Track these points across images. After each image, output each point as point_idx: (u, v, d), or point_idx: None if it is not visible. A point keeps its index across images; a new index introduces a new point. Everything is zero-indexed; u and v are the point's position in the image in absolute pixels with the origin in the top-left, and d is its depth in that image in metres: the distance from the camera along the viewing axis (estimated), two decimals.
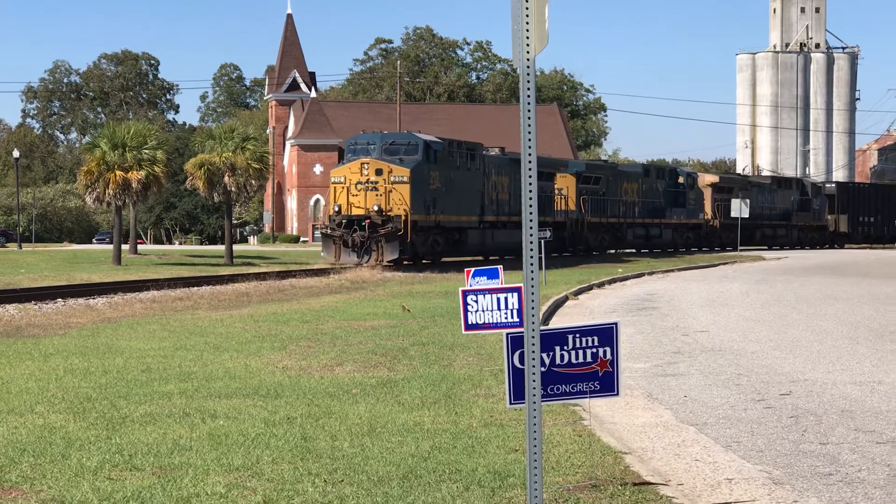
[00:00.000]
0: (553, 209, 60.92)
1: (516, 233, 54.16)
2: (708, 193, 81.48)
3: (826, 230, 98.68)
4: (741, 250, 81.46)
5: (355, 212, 48.03)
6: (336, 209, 48.41)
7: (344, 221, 48.02)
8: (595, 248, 67.74)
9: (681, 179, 77.72)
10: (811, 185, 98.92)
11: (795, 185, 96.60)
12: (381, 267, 46.81)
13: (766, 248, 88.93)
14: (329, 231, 48.60)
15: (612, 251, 70.55)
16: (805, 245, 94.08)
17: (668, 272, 50.65)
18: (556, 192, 61.87)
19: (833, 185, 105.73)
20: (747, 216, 79.39)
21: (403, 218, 47.47)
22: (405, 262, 49.00)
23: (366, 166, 48.19)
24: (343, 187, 48.40)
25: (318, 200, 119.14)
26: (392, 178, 47.83)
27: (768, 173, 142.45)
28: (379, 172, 48.09)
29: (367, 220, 47.42)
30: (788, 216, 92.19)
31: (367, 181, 48.01)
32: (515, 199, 55.53)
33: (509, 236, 55.91)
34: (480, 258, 54.88)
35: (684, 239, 78.48)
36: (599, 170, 70.03)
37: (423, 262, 50.54)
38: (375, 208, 47.46)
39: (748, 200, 79.83)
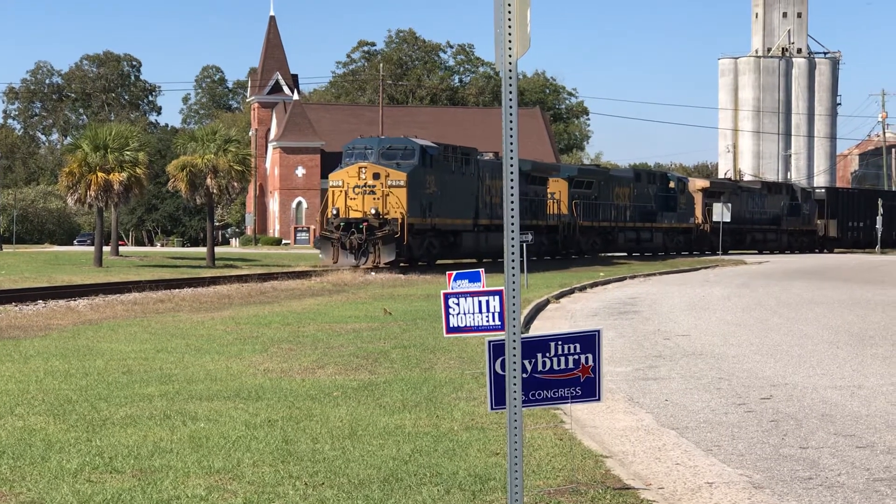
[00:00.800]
0: (546, 213, 61.97)
1: None
2: (699, 198, 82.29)
3: (816, 234, 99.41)
4: (731, 254, 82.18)
5: (353, 215, 48.76)
6: (334, 212, 49.14)
7: (342, 224, 48.70)
8: (587, 252, 68.46)
9: (671, 184, 78.71)
10: (801, 190, 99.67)
11: (785, 189, 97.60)
12: (377, 268, 47.55)
13: (756, 251, 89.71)
14: (327, 233, 49.28)
15: (604, 254, 71.14)
16: (795, 249, 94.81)
17: (650, 276, 50.74)
18: (549, 196, 62.91)
19: (823, 190, 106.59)
20: (729, 220, 79.59)
21: (400, 221, 48.17)
22: (401, 264, 49.54)
23: (363, 170, 49.02)
24: (341, 191, 49.21)
25: (300, 203, 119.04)
26: (389, 182, 48.63)
27: (750, 177, 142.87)
28: (376, 176, 48.87)
29: (365, 223, 48.12)
30: (778, 221, 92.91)
31: (365, 185, 48.83)
32: None
33: (502, 239, 54.94)
34: (474, 260, 55.30)
35: (675, 243, 79.34)
36: (591, 174, 71.19)
37: (419, 263, 51.19)
38: (373, 211, 48.22)
39: (730, 205, 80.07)
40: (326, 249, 49.39)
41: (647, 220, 74.78)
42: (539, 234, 59.37)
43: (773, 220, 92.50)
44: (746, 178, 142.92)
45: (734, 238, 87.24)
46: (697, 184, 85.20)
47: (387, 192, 48.46)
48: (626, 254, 74.25)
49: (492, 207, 55.81)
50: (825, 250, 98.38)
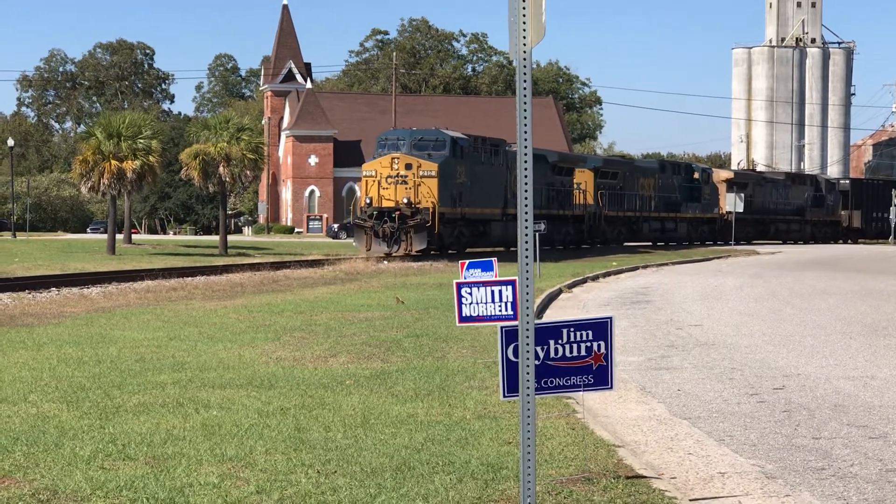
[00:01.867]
0: (572, 203, 63.73)
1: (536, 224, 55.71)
2: (723, 189, 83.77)
3: (840, 225, 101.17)
4: (754, 244, 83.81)
5: (385, 204, 50.31)
6: (367, 201, 50.69)
7: (375, 213, 50.32)
8: (612, 241, 69.93)
9: (696, 175, 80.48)
10: (825, 182, 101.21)
11: (810, 181, 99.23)
12: (409, 256, 49.32)
13: (780, 242, 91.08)
14: (361, 222, 51.02)
15: (629, 244, 72.30)
16: (819, 240, 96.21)
17: (663, 265, 50.72)
18: (575, 186, 64.50)
19: (847, 181, 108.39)
20: (742, 210, 79.68)
21: (431, 210, 49.89)
22: (432, 252, 50.89)
23: (396, 161, 50.50)
24: (374, 180, 50.78)
25: (312, 191, 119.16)
26: (421, 173, 50.24)
27: (763, 167, 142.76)
28: (408, 167, 50.43)
29: (397, 212, 49.76)
30: (802, 212, 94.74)
31: (398, 175, 50.38)
32: (538, 192, 57.45)
33: None
34: (502, 249, 56.24)
35: (699, 233, 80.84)
36: (617, 165, 73.21)
37: (450, 252, 52.41)
38: (405, 201, 49.78)
39: (742, 195, 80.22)
40: (360, 237, 51.11)
41: (671, 210, 76.37)
42: (565, 223, 63.15)
43: (798, 211, 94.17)
44: (760, 167, 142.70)
45: (758, 229, 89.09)
46: (722, 175, 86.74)
47: (419, 181, 50.11)
48: (650, 243, 75.44)
49: None
50: (849, 241, 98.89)
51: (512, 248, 56.23)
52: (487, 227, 55.43)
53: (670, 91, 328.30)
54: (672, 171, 78.60)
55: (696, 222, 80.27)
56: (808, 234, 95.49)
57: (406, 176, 50.14)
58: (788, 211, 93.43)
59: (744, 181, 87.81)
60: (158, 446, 10.46)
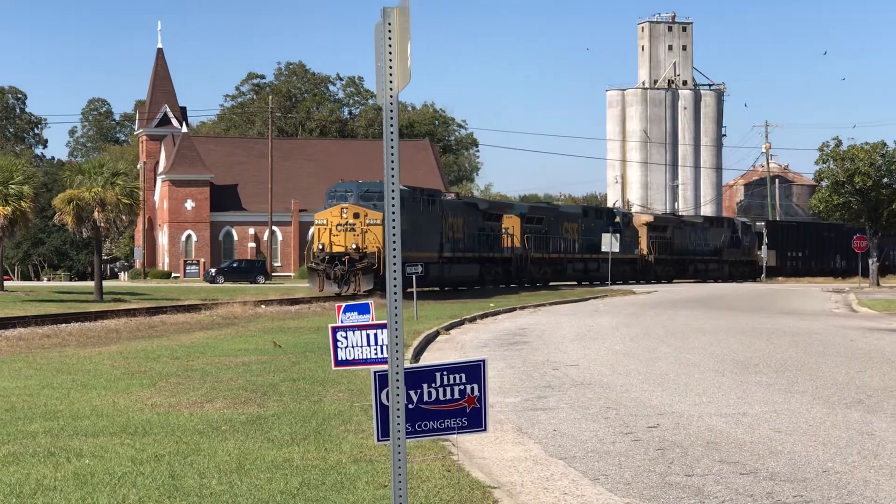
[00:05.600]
0: (501, 246, 70.39)
1: (469, 267, 65.80)
2: (643, 231, 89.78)
3: (756, 265, 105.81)
4: (663, 283, 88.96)
5: (336, 249, 55.88)
6: (320, 247, 56.37)
7: (327, 258, 55.89)
8: (539, 280, 75.66)
9: (617, 219, 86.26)
10: (741, 224, 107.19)
11: (727, 223, 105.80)
12: (356, 295, 52.69)
13: (700, 280, 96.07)
14: (314, 265, 56.55)
15: (554, 283, 77.40)
16: (736, 278, 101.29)
17: (540, 306, 51.01)
18: (504, 230, 71.01)
19: (762, 223, 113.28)
20: (618, 250, 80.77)
21: (377, 255, 55.30)
22: (378, 292, 53.78)
23: (345, 210, 56.18)
24: (326, 228, 56.50)
25: (189, 236, 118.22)
26: (367, 221, 55.93)
27: (638, 208, 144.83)
28: (356, 216, 56.09)
29: (347, 257, 55.43)
30: (720, 252, 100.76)
31: (346, 223, 56.02)
32: (468, 237, 65.43)
33: (463, 270, 65.42)
34: (437, 288, 63.60)
35: (621, 272, 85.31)
36: (542, 211, 79.28)
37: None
38: (353, 246, 55.42)
39: (618, 235, 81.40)
40: (313, 279, 56.74)
41: (594, 251, 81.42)
42: (495, 264, 70.23)
43: (716, 252, 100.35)
44: (635, 208, 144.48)
45: (678, 268, 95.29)
46: (642, 218, 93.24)
47: (365, 229, 55.76)
48: (575, 282, 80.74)
49: (454, 242, 63.66)
50: (765, 279, 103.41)
51: (446, 288, 64.09)
52: (426, 269, 57.61)
53: (547, 133, 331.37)
54: (595, 216, 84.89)
55: (617, 262, 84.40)
56: (727, 273, 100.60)
57: (354, 224, 55.66)
58: (707, 252, 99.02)
59: (664, 224, 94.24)
60: (28, 497, 10.30)
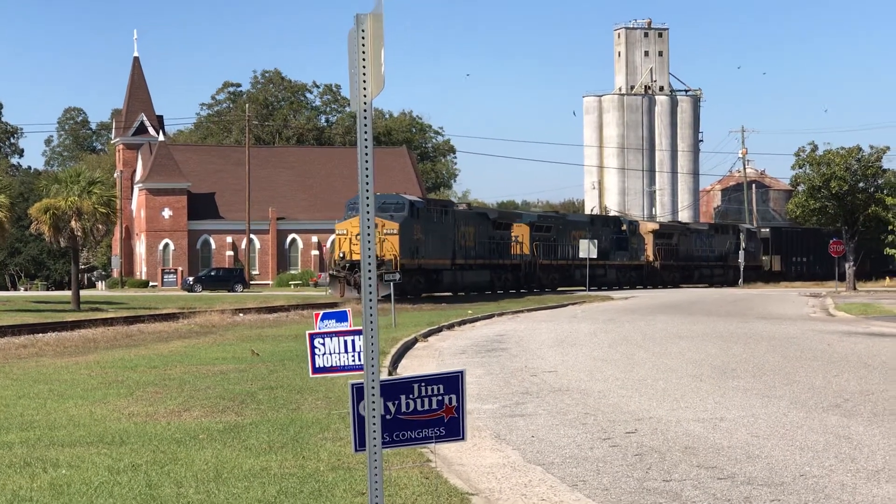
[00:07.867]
0: (510, 253, 74.55)
1: (480, 273, 70.35)
2: (649, 239, 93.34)
3: (762, 269, 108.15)
4: (660, 288, 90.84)
5: (356, 257, 58.98)
6: (341, 255, 60.07)
7: (347, 265, 59.48)
8: (547, 286, 79.52)
9: (623, 227, 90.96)
10: (746, 230, 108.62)
11: (732, 230, 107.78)
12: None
13: (707, 285, 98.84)
14: (336, 272, 60.18)
15: (562, 288, 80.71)
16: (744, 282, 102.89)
17: (518, 313, 51.05)
18: (513, 239, 74.98)
19: (767, 229, 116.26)
20: (595, 256, 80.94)
21: (394, 262, 58.49)
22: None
23: None
24: (346, 238, 60.07)
25: (167, 245, 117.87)
26: (385, 231, 58.89)
27: (616, 213, 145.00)
28: (374, 226, 57.11)
29: None
30: (725, 258, 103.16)
31: None
32: (479, 245, 69.78)
33: (475, 276, 69.94)
34: (450, 294, 67.73)
35: (628, 278, 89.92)
36: (551, 220, 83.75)
37: (408, 297, 60.38)
38: None
39: (596, 241, 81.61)
40: (335, 286, 60.36)
41: (601, 258, 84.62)
42: (505, 271, 74.39)
43: (721, 258, 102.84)
44: (612, 213, 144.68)
45: (683, 274, 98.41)
46: (648, 226, 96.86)
47: (383, 238, 58.65)
48: (583, 287, 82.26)
49: (465, 249, 67.84)
50: (771, 283, 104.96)
51: (459, 293, 68.09)
52: (440, 276, 65.38)
53: (524, 139, 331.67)
54: (602, 224, 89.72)
55: (624, 269, 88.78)
56: (732, 278, 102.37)
57: None
58: (712, 258, 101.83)
59: (669, 231, 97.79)
60: None
